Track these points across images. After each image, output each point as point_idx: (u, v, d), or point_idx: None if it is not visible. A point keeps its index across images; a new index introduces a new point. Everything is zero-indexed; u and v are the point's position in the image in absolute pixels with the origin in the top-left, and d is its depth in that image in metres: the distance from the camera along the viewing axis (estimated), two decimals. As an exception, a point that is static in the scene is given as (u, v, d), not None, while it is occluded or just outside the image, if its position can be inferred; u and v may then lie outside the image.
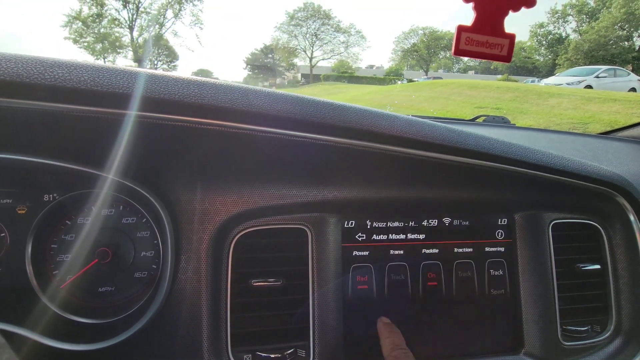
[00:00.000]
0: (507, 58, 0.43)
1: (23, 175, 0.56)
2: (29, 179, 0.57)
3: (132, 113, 0.40)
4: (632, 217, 0.67)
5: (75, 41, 32.49)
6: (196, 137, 0.45)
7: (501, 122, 1.47)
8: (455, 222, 0.66)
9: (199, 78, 0.45)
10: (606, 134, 1.43)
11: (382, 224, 0.63)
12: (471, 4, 0.41)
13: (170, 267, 0.51)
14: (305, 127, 0.46)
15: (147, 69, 0.43)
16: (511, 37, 0.42)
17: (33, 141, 0.49)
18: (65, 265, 0.58)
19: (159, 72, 0.45)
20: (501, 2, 0.41)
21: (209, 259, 0.53)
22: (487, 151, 0.54)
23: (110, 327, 0.53)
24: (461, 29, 0.41)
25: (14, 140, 0.48)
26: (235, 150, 0.49)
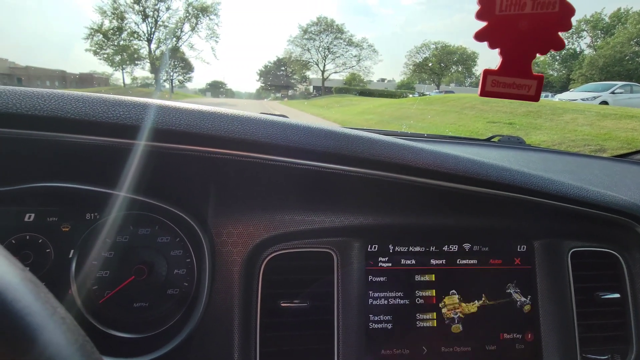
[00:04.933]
0: (535, 98, 0.43)
1: (67, 196, 0.61)
2: (72, 199, 0.61)
3: (185, 147, 0.44)
4: (651, 247, 0.68)
5: (95, 53, 33.71)
6: (238, 169, 0.49)
7: (516, 142, 1.48)
8: (475, 247, 0.68)
9: (240, 113, 0.49)
10: (623, 157, 1.42)
11: (404, 249, 0.65)
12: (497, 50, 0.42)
13: (207, 287, 0.54)
14: (338, 160, 0.49)
15: (197, 106, 0.47)
16: (539, 78, 0.43)
17: (79, 170, 0.53)
18: (104, 281, 0.62)
19: (201, 107, 0.49)
20: (528, 47, 0.41)
21: (241, 280, 0.56)
22: (509, 182, 0.56)
23: (147, 343, 0.56)
24: (487, 73, 0.43)
25: (64, 169, 0.53)
26: (270, 180, 0.52)
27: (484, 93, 0.43)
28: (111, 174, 0.55)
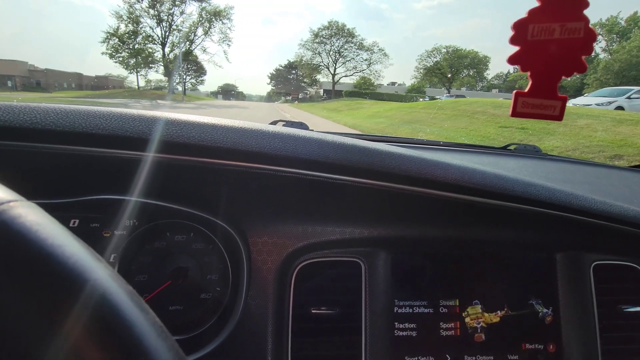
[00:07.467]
0: (559, 117, 0.46)
1: (109, 205, 0.64)
2: (114, 208, 0.65)
3: (227, 163, 0.47)
4: (675, 261, 0.68)
5: (111, 56, 34.54)
6: (274, 183, 0.52)
7: (532, 151, 1.48)
8: (498, 258, 0.69)
9: (277, 129, 0.52)
10: (642, 167, 1.41)
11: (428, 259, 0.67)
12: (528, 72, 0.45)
13: (244, 294, 0.57)
14: (370, 175, 0.52)
15: (239, 122, 0.50)
16: (563, 99, 0.46)
17: (121, 182, 0.57)
18: (142, 285, 0.65)
19: (243, 124, 0.52)
20: (555, 70, 0.44)
21: (275, 287, 0.59)
22: (533, 197, 0.58)
23: (183, 345, 0.59)
24: (518, 94, 0.45)
25: (108, 181, 0.57)
26: (303, 193, 0.55)
27: (515, 113, 0.45)
28: (151, 186, 0.59)
